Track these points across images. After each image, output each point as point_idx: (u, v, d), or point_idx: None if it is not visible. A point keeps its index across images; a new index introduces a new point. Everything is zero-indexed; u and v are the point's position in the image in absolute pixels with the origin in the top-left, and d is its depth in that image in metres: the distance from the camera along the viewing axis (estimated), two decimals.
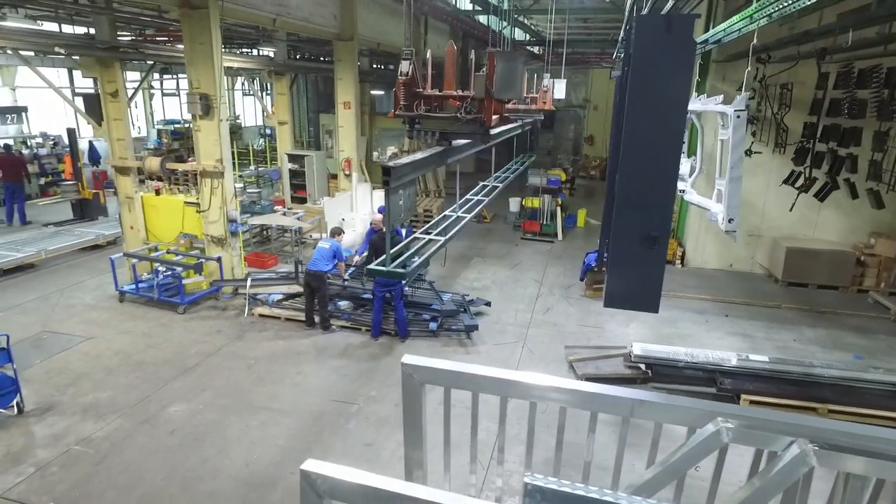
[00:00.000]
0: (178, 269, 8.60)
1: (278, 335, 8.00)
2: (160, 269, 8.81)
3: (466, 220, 5.36)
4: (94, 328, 8.05)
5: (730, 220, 4.67)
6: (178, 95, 23.01)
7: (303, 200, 14.36)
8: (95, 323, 8.23)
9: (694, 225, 11.52)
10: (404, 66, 4.57)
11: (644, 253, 3.26)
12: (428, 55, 4.71)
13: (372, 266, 3.75)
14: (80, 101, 11.37)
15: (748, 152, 8.99)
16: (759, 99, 8.76)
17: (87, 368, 6.91)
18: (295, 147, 23.26)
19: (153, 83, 21.60)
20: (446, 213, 5.59)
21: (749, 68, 4.21)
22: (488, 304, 8.94)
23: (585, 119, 24.66)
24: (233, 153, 18.25)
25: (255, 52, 17.60)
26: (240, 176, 17.97)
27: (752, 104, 8.90)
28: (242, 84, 16.60)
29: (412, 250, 4.17)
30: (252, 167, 18.84)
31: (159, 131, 21.42)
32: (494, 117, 4.51)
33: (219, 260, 8.90)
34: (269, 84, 15.21)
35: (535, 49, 20.11)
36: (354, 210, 12.84)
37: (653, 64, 3.03)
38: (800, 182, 8.06)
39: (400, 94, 4.63)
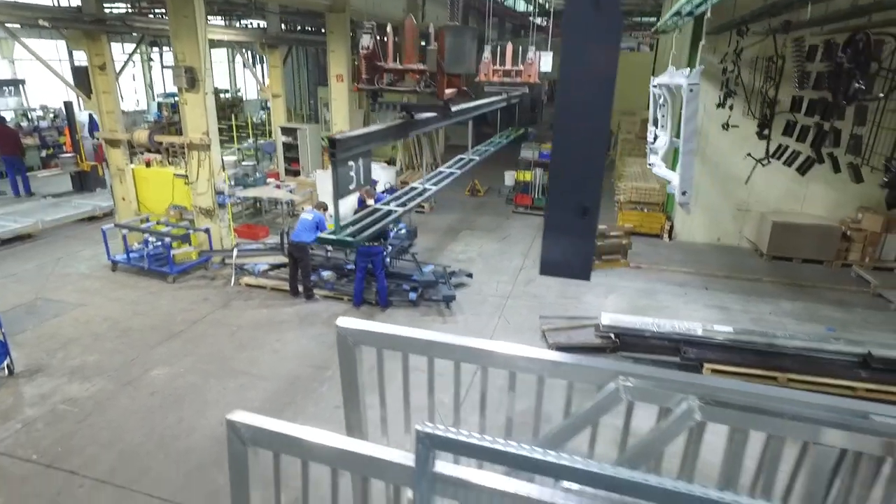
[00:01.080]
0: (167, 239, 8.82)
1: (263, 304, 8.25)
2: (150, 239, 9.05)
3: (431, 192, 5.50)
4: (86, 296, 8.34)
5: (683, 193, 4.78)
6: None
7: (297, 173, 14.49)
8: (88, 291, 8.52)
9: None
10: (365, 40, 4.65)
11: (576, 223, 3.38)
12: (388, 29, 4.78)
13: (322, 235, 3.91)
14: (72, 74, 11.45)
15: (725, 126, 8.96)
16: (738, 72, 8.67)
17: (77, 334, 7.20)
18: (296, 120, 23.29)
19: (152, 56, 21.62)
20: (413, 184, 5.72)
21: (703, 42, 4.25)
22: (470, 275, 9.10)
23: None
24: (233, 126, 18.42)
25: (252, 24, 17.55)
26: (238, 149, 18.12)
27: (732, 77, 8.81)
28: (244, 57, 16.53)
29: (367, 220, 4.32)
30: (251, 140, 18.93)
31: (160, 104, 21.51)
32: (450, 90, 4.60)
33: (206, 231, 9.11)
34: (263, 57, 15.19)
35: (541, 21, 19.91)
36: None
37: (581, 39, 3.10)
38: (763, 155, 8.04)
39: (362, 68, 4.74)
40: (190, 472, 4.86)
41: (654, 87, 5.95)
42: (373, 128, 4.22)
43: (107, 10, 11.02)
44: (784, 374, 6.11)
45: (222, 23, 17.29)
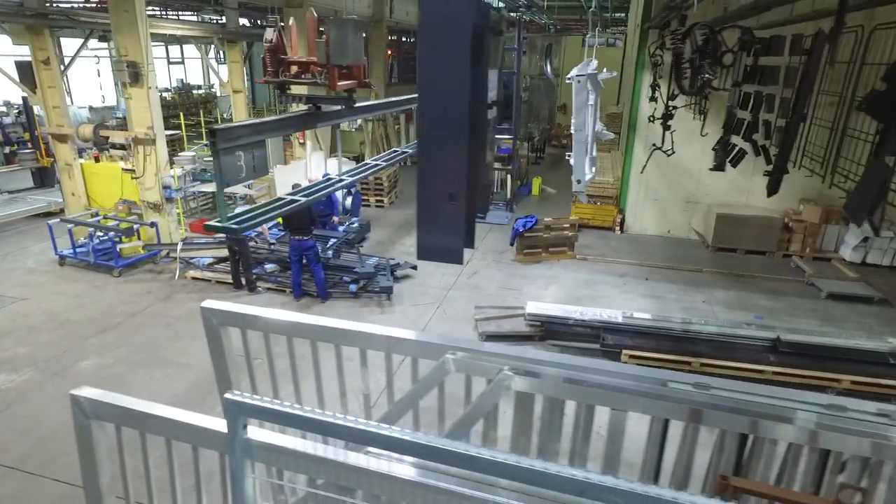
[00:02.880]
0: (112, 233, 8.88)
1: (205, 296, 8.32)
2: (96, 234, 9.10)
3: (345, 182, 5.62)
4: (29, 290, 8.39)
5: (577, 181, 4.94)
6: None
7: None
8: (31, 285, 8.56)
9: (634, 192, 11.73)
10: (269, 34, 4.78)
11: (445, 209, 3.53)
12: (291, 22, 4.90)
13: (210, 222, 4.02)
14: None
15: (651, 118, 9.17)
16: (661, 65, 8.85)
17: (13, 327, 7.26)
18: (268, 116, 23.22)
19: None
20: (331, 175, 5.84)
21: (590, 33, 4.40)
22: (414, 267, 9.23)
23: (559, 88, 24.57)
24: (201, 122, 18.38)
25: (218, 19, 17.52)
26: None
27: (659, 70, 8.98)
28: (202, 51, 16.54)
29: (260, 210, 4.43)
30: None
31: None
32: (348, 83, 4.73)
33: (152, 225, 9.17)
34: (222, 52, 15.22)
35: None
36: (309, 177, 13.05)
37: (435, 29, 3.24)
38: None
39: (267, 61, 4.85)
40: None
41: (568, 79, 6.10)
42: (266, 118, 4.33)
43: (62, 6, 11.02)
44: (698, 358, 6.30)
45: (195, 18, 17.32)
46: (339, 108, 5.13)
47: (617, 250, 10.76)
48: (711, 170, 6.41)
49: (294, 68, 4.90)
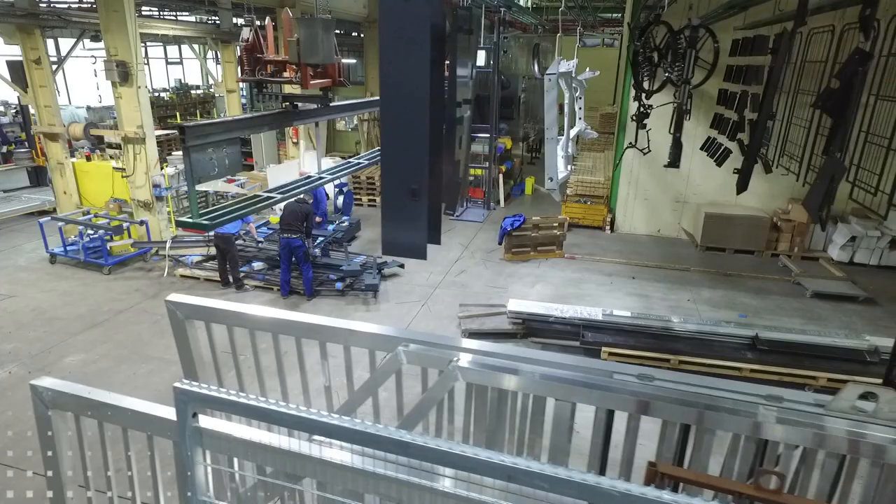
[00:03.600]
0: (101, 231, 8.96)
1: (192, 294, 8.37)
2: (88, 231, 9.17)
3: (325, 180, 5.67)
4: (19, 287, 8.47)
5: (550, 179, 4.98)
6: (147, 63, 23.04)
7: (252, 167, 14.64)
8: (21, 283, 8.64)
9: (624, 192, 11.77)
10: (245, 33, 4.84)
11: (408, 205, 3.57)
12: (267, 21, 4.96)
13: (181, 218, 4.08)
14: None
15: (633, 118, 9.23)
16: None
17: (1, 323, 7.33)
18: None
19: None
20: (311, 173, 5.90)
21: (560, 33, 4.44)
22: (402, 265, 9.29)
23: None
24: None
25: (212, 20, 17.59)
26: None
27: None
28: (195, 52, 16.66)
29: (236, 206, 4.49)
30: None
31: None
32: (323, 81, 4.78)
33: (142, 223, 9.25)
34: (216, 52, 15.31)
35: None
36: (300, 172, 13.12)
37: (395, 27, 3.28)
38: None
39: (244, 60, 4.92)
40: None
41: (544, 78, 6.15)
42: (237, 116, 4.38)
43: (57, 6, 11.11)
44: (676, 356, 6.34)
45: (192, 19, 17.41)
46: (315, 106, 5.19)
47: (606, 249, 10.80)
48: (666, 167, 6.47)
49: (270, 67, 4.97)
